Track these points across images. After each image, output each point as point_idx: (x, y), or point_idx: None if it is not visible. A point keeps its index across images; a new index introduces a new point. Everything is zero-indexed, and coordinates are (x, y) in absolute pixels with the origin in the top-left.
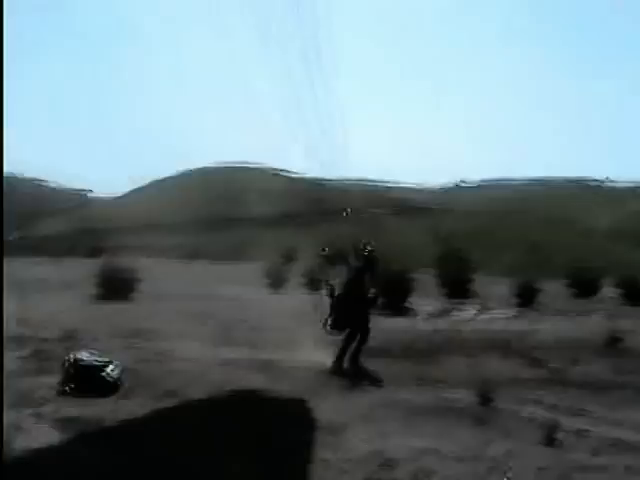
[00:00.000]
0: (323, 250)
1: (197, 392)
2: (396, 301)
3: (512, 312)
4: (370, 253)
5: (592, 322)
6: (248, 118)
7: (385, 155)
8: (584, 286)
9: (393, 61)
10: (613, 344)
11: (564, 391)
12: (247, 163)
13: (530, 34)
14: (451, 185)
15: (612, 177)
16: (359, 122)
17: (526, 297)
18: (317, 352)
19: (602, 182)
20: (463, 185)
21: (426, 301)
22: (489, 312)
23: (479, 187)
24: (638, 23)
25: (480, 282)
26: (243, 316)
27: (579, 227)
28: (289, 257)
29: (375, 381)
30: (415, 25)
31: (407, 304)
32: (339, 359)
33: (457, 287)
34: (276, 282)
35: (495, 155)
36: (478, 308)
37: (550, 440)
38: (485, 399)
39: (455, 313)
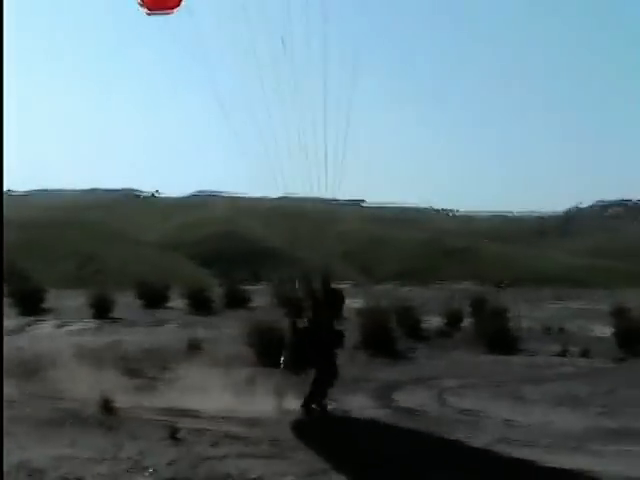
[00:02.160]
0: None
1: None
2: None
3: (91, 324)
4: (337, 290)
5: (167, 331)
6: None
7: None
8: (152, 297)
9: None
10: (193, 351)
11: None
12: None
13: None
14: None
15: (161, 190)
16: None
17: (102, 309)
18: None
19: (152, 195)
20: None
21: None
22: (68, 325)
23: (27, 196)
24: None
25: (51, 295)
26: None
27: (131, 238)
28: None
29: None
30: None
31: None
32: (308, 402)
33: (28, 301)
34: None
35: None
36: (57, 322)
37: (174, 438)
38: (108, 408)
39: (33, 328)
